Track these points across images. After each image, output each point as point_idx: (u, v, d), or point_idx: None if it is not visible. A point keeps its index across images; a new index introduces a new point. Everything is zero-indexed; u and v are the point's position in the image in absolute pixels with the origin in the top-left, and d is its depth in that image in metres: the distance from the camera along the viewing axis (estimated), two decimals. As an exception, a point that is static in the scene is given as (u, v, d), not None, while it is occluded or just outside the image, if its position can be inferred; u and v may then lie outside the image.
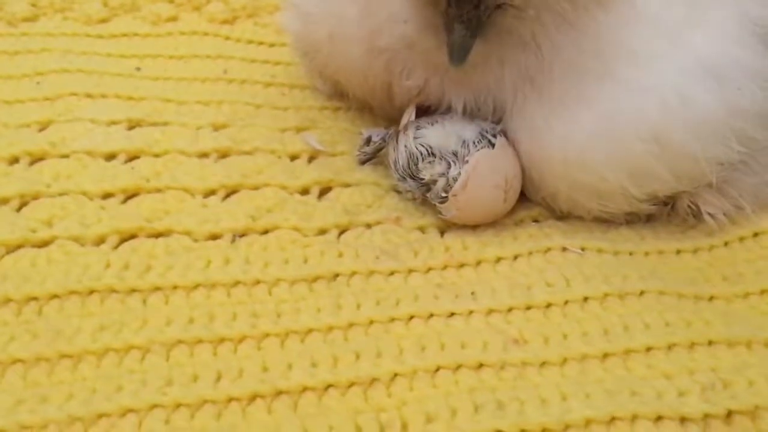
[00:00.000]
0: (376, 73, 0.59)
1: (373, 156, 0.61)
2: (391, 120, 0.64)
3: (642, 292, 0.49)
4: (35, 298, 0.47)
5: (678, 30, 0.51)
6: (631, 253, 0.54)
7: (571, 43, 0.52)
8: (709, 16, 0.52)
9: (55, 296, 0.47)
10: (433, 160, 0.53)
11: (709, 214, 0.56)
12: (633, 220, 0.57)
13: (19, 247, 0.51)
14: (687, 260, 0.54)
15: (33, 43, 0.76)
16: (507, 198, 0.54)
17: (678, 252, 0.54)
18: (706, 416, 0.41)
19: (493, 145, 0.54)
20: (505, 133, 0.56)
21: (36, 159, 0.58)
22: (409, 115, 0.59)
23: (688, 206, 0.57)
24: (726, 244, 0.55)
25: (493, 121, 0.57)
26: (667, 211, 0.58)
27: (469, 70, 0.52)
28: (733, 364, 0.44)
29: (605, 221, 0.56)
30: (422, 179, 0.54)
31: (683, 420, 0.40)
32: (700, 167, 0.51)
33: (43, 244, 0.51)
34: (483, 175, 0.53)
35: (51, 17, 0.82)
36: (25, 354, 0.43)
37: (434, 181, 0.53)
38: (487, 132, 0.54)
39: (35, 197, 0.55)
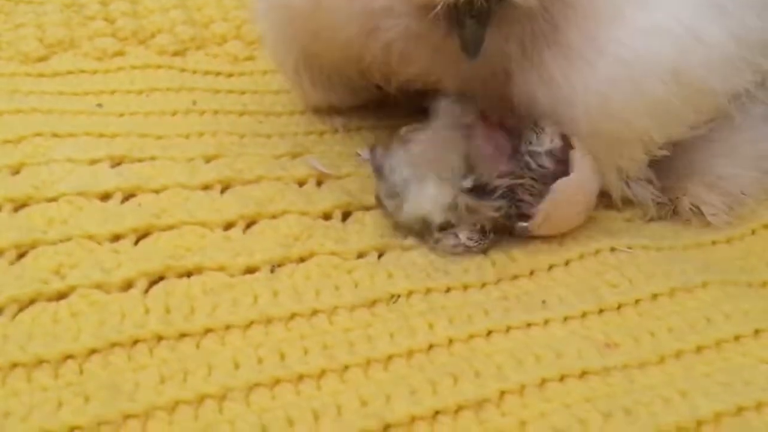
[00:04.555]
0: (372, 57, 0.55)
1: None
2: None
3: (705, 284, 0.49)
4: (71, 356, 0.41)
5: None
6: (672, 248, 0.53)
7: None
8: None
9: (94, 351, 0.41)
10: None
11: (713, 214, 0.57)
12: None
13: (32, 302, 0.44)
14: (725, 250, 0.55)
15: (-30, 86, 0.68)
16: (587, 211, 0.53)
17: (714, 243, 0.55)
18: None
19: None
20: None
21: (20, 205, 0.52)
22: None
23: (690, 207, 0.57)
24: (753, 232, 0.56)
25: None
26: (669, 214, 0.58)
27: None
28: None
29: (636, 219, 0.56)
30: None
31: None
32: (718, 100, 0.52)
33: (60, 296, 0.45)
34: (565, 204, 0.51)
35: (-18, 60, 0.74)
36: (83, 420, 0.37)
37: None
38: None
39: (33, 246, 0.48)
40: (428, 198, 0.50)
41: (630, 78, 0.51)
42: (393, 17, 0.52)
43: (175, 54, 0.79)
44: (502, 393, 0.40)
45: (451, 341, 0.44)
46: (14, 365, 0.39)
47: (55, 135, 0.61)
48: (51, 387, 0.39)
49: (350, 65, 0.61)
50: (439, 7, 0.47)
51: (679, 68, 0.51)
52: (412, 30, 0.52)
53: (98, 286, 0.45)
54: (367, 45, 0.55)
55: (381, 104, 0.69)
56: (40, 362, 0.40)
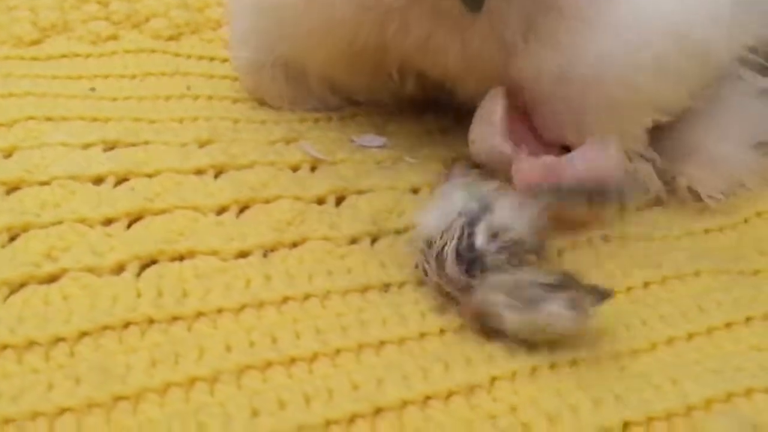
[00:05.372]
0: (367, 33, 0.55)
1: None
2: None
3: (697, 272, 0.49)
4: (62, 339, 0.40)
5: None
6: (664, 237, 0.54)
7: None
8: None
9: (85, 334, 0.41)
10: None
11: (709, 196, 0.57)
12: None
13: (23, 285, 0.44)
14: (717, 239, 0.55)
15: (-38, 70, 0.68)
16: None
17: (706, 231, 0.55)
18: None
19: None
20: None
21: (12, 188, 0.52)
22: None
23: (688, 188, 0.57)
24: (746, 220, 0.56)
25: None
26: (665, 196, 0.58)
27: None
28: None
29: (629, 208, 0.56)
30: None
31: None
32: (721, 59, 0.54)
33: (52, 279, 0.44)
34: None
35: (-27, 43, 0.74)
36: (74, 402, 0.37)
37: None
38: None
39: (25, 229, 0.48)
40: None
41: (637, 37, 0.52)
42: None
43: (170, 39, 0.80)
44: (493, 379, 0.40)
45: (442, 331, 0.44)
46: (5, 347, 0.39)
47: (48, 119, 0.61)
48: (42, 369, 0.39)
49: (340, 58, 0.61)
50: None
51: (685, 27, 0.51)
52: None
53: (90, 270, 0.45)
54: (363, 23, 0.54)
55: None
56: (31, 344, 0.40)
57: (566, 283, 0.41)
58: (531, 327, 0.40)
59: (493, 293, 0.41)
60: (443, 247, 0.45)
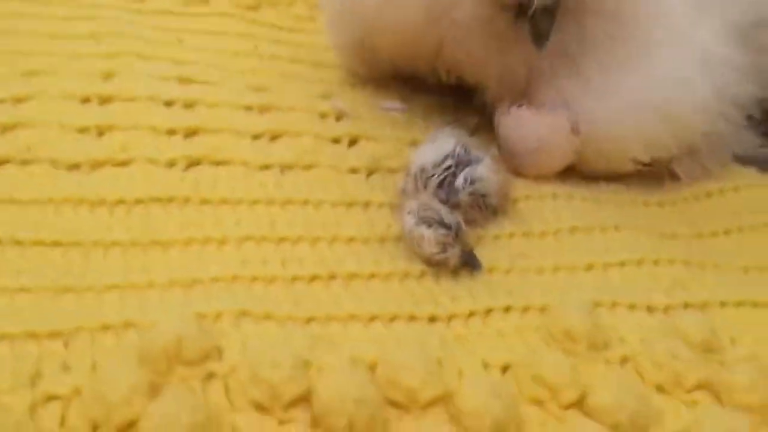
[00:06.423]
0: (430, 36, 0.67)
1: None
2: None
3: (618, 226, 0.61)
4: (123, 201, 0.56)
5: (684, 27, 0.65)
6: (607, 201, 0.66)
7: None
8: (705, 18, 0.65)
9: (140, 201, 0.57)
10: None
11: (684, 172, 0.69)
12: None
13: (101, 165, 0.60)
14: (654, 210, 0.66)
15: (84, 12, 0.86)
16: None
17: (646, 204, 0.67)
18: (667, 307, 0.52)
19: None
20: None
21: (105, 100, 0.68)
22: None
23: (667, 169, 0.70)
24: (684, 200, 0.68)
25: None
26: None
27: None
28: (687, 275, 0.56)
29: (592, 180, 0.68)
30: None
31: (650, 308, 0.52)
32: (696, 137, 0.66)
33: (123, 164, 0.60)
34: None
35: (94, -9, 0.92)
36: (125, 237, 0.53)
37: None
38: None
39: (110, 129, 0.64)
40: None
41: (632, 116, 0.64)
42: (463, 5, 0.63)
43: (249, 8, 0.95)
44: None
45: (399, 238, 0.58)
46: (81, 201, 0.55)
47: (139, 56, 0.77)
48: (107, 221, 0.55)
49: (404, 49, 0.72)
50: None
51: (671, 111, 0.64)
52: (478, 17, 0.63)
53: (151, 161, 0.61)
54: (428, 28, 0.66)
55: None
56: (102, 202, 0.56)
57: (460, 236, 0.55)
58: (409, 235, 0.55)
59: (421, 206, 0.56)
60: (431, 177, 0.59)
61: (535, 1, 0.57)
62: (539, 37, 0.60)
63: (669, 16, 0.65)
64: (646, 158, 0.67)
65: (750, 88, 0.69)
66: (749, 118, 0.72)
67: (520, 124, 0.65)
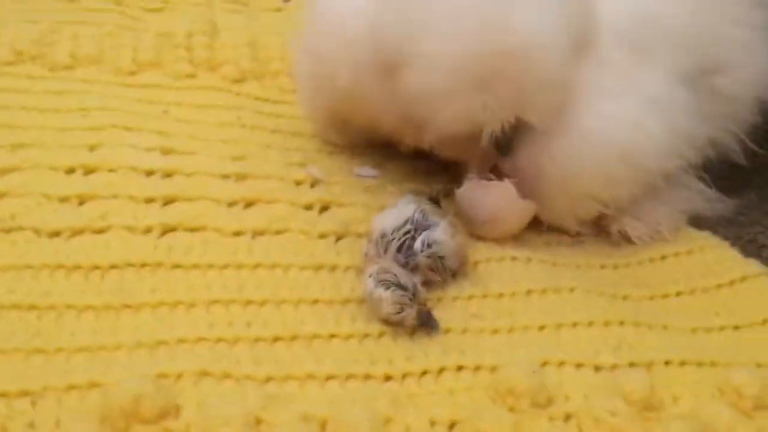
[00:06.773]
0: (402, 128, 0.72)
1: None
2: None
3: (572, 289, 0.64)
4: (98, 267, 0.60)
5: (630, 73, 0.68)
6: (565, 264, 0.68)
7: None
8: (649, 65, 0.69)
9: (114, 266, 0.60)
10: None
11: (637, 237, 0.72)
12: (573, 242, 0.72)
13: (80, 232, 0.63)
14: (608, 272, 0.69)
15: (74, 86, 0.90)
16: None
17: (602, 267, 0.70)
18: (614, 366, 0.55)
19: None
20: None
21: (90, 171, 0.72)
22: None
23: (618, 231, 0.72)
24: (639, 263, 0.71)
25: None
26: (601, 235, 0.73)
27: None
28: (635, 335, 0.59)
29: (552, 243, 0.71)
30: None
31: (597, 367, 0.55)
32: (652, 176, 0.69)
33: (101, 231, 0.64)
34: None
35: (87, 67, 0.97)
36: (97, 302, 0.56)
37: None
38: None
39: (91, 198, 0.68)
40: None
41: (591, 155, 0.67)
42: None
43: (235, 81, 1.00)
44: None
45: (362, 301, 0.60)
46: (59, 267, 0.58)
47: (126, 128, 0.81)
48: (87, 290, 0.58)
49: (375, 124, 0.77)
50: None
51: (626, 150, 0.67)
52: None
53: (129, 229, 0.64)
54: (402, 128, 0.72)
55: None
56: (77, 268, 0.59)
57: (417, 297, 0.58)
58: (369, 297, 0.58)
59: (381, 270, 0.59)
60: (391, 241, 0.62)
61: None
62: (504, 150, 0.66)
63: (612, 65, 0.68)
64: (607, 196, 0.69)
65: (704, 129, 0.73)
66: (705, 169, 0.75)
67: (472, 197, 0.68)
